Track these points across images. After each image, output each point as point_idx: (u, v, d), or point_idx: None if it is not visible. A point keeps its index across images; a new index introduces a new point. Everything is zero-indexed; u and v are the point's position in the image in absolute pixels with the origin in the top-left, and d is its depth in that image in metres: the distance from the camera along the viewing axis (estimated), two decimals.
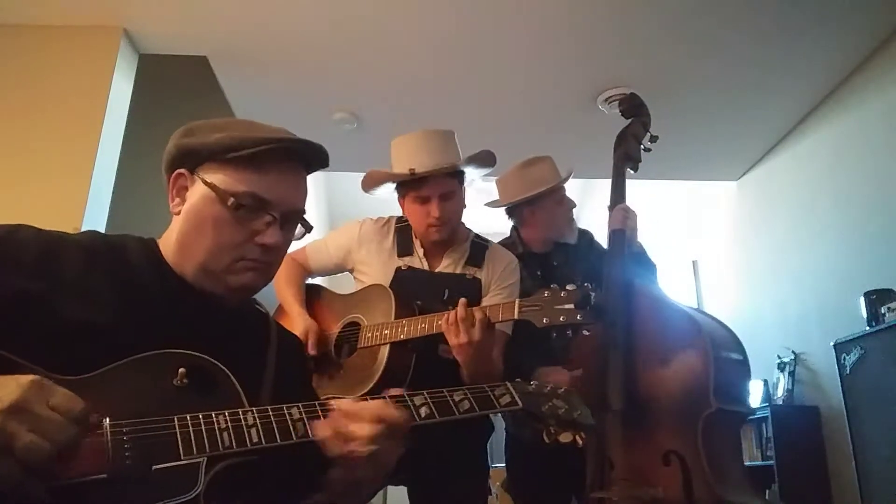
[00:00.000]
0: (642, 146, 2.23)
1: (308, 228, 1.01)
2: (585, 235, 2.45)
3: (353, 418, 0.86)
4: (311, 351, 1.74)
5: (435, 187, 1.79)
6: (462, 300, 1.56)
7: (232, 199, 0.91)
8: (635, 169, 2.21)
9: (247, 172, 0.93)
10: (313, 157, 1.01)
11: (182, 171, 0.97)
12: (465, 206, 1.89)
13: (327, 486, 0.91)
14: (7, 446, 0.64)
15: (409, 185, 1.83)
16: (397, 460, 0.90)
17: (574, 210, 2.38)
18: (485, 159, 1.88)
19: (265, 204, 0.94)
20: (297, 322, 1.80)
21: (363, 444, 0.84)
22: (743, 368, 1.94)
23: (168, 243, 0.98)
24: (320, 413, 0.87)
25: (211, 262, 0.93)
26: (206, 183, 0.94)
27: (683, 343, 1.83)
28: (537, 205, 2.32)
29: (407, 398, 0.94)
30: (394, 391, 1.00)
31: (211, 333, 0.92)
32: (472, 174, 1.94)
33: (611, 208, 2.15)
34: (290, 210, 0.97)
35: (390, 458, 0.88)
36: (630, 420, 1.81)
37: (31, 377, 0.68)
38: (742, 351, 1.94)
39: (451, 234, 1.89)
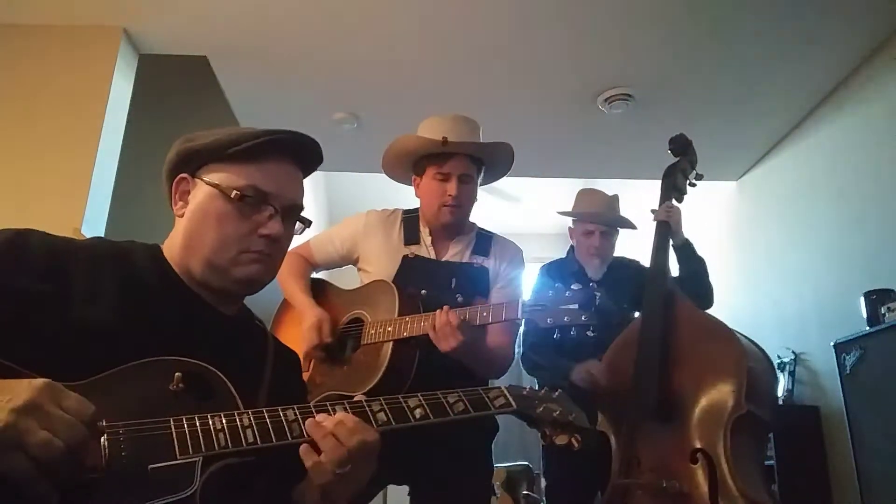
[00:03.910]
0: (689, 181, 2.48)
1: (307, 224, 1.05)
2: (634, 263, 2.64)
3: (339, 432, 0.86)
4: (326, 338, 1.74)
5: (458, 165, 1.83)
6: (445, 308, 1.57)
7: (235, 192, 0.96)
8: (680, 200, 2.46)
9: (247, 167, 0.98)
10: (308, 153, 1.05)
11: (184, 175, 1.01)
12: (476, 200, 1.92)
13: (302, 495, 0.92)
14: (21, 442, 0.65)
15: (433, 159, 1.85)
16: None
17: (607, 251, 2.57)
18: (504, 149, 1.92)
19: (266, 196, 0.98)
20: (308, 312, 1.80)
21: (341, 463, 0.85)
22: (771, 380, 2.03)
23: (172, 246, 1.01)
24: (315, 416, 0.88)
25: (216, 255, 0.96)
26: (208, 183, 0.97)
27: (719, 345, 1.90)
28: (574, 227, 2.65)
29: (401, 399, 0.95)
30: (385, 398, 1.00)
31: (212, 340, 0.94)
32: (488, 177, 1.98)
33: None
34: (289, 204, 1.01)
35: (363, 475, 0.89)
36: (660, 418, 1.88)
37: (44, 380, 0.70)
38: (772, 366, 2.03)
39: (460, 221, 1.90)
